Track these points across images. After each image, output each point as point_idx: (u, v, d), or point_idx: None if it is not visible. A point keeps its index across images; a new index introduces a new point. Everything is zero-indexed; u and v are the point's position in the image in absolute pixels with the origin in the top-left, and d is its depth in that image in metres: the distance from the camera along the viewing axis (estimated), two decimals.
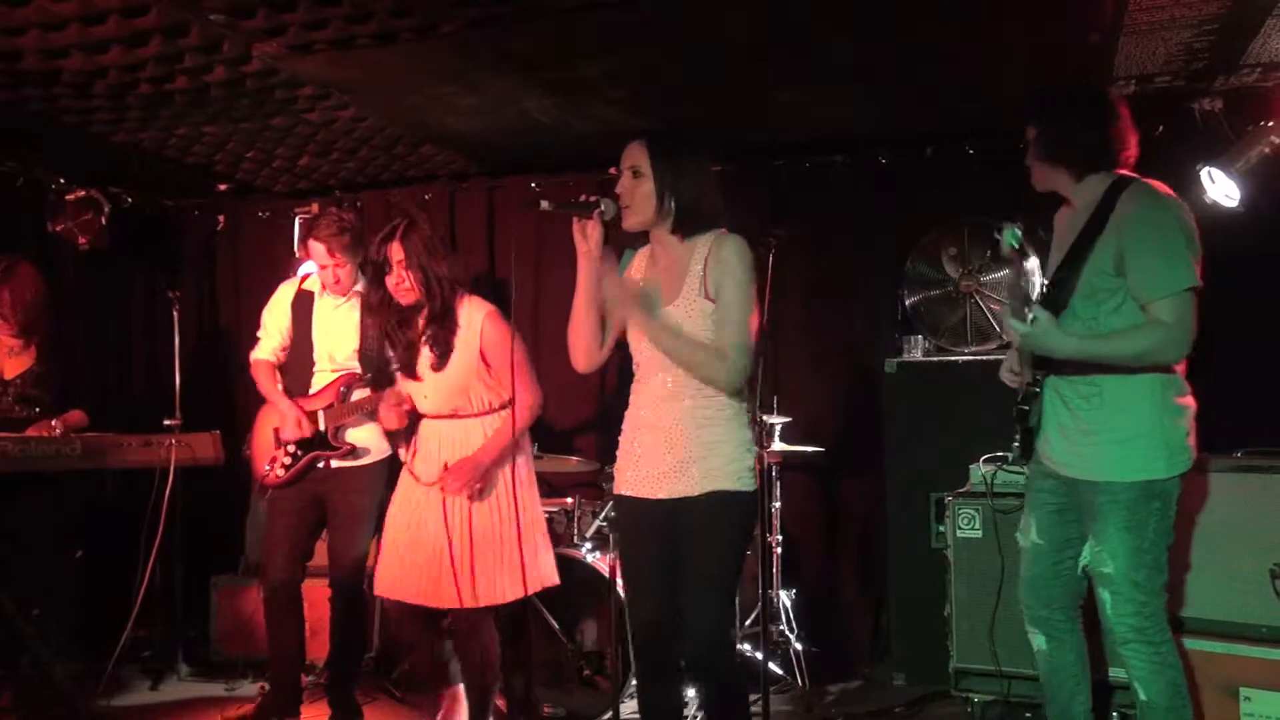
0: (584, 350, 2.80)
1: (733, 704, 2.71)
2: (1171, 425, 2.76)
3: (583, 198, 2.71)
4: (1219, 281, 4.18)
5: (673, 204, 2.67)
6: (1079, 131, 2.81)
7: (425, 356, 3.52)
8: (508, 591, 3.50)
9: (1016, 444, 3.05)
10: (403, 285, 3.47)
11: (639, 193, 2.69)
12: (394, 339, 3.56)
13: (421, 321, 3.52)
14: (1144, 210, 2.70)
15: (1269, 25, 3.48)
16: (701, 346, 2.62)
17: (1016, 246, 2.77)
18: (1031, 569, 3.02)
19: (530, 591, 3.56)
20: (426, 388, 3.54)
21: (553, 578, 3.64)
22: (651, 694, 2.81)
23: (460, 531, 3.46)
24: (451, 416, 3.55)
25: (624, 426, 2.81)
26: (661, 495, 2.68)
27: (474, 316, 3.53)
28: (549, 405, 5.11)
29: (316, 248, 3.89)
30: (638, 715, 3.93)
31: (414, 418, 3.63)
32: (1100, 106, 2.84)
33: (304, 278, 4.14)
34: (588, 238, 2.71)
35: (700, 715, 3.83)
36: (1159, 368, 2.74)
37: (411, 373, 3.54)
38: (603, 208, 2.69)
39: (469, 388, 3.54)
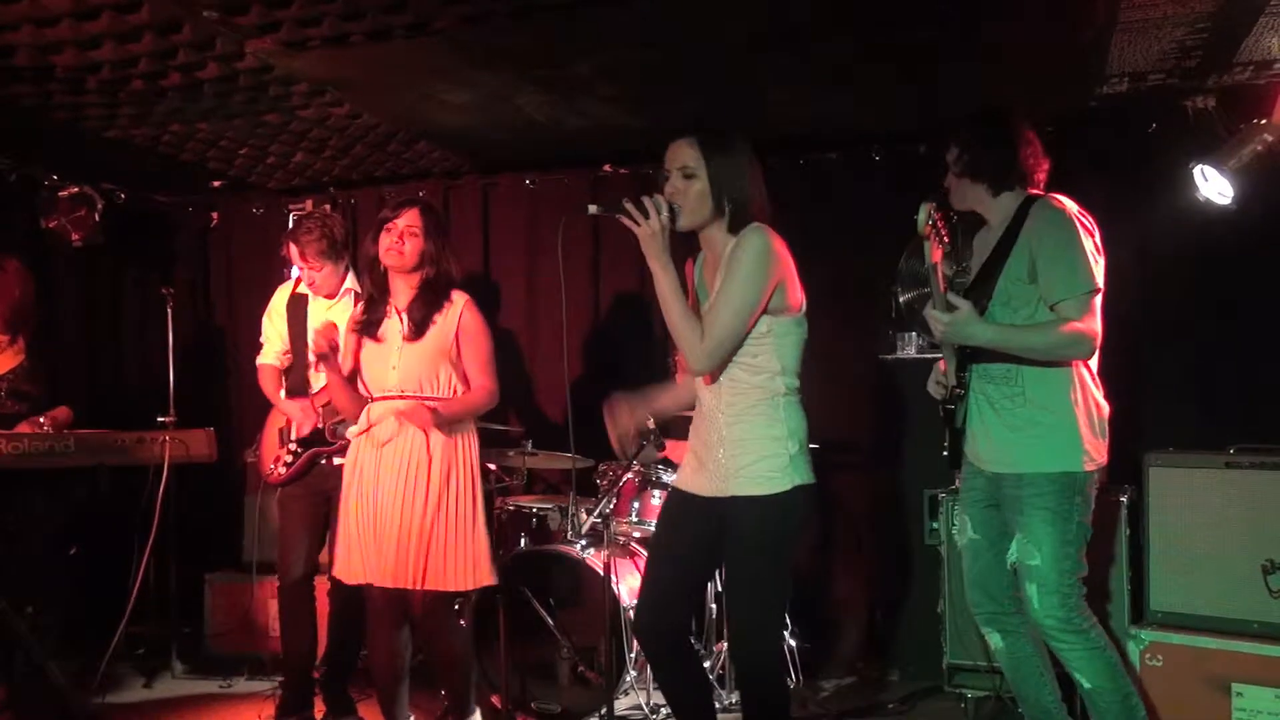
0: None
1: (767, 709, 2.71)
2: (1087, 421, 2.92)
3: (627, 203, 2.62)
4: (1211, 279, 4.22)
5: (728, 204, 2.66)
6: (996, 150, 3.02)
7: (400, 325, 3.52)
8: (468, 579, 3.51)
9: (945, 451, 3.17)
10: (398, 248, 3.47)
11: (692, 193, 2.66)
12: (371, 301, 3.56)
13: (408, 298, 3.53)
14: (1051, 223, 2.91)
15: (1261, 24, 3.49)
16: (688, 317, 2.63)
17: (930, 223, 2.83)
18: (973, 567, 3.14)
19: (479, 585, 3.55)
20: (394, 358, 3.52)
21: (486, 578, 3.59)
22: (660, 673, 2.91)
23: (418, 514, 3.45)
24: (416, 397, 3.52)
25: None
26: (700, 492, 2.75)
27: (455, 301, 3.59)
28: (544, 402, 5.16)
29: (292, 250, 4.00)
30: (632, 711, 3.98)
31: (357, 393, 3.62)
32: (1012, 129, 3.05)
33: (298, 280, 4.19)
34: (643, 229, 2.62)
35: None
36: (1071, 364, 2.91)
37: (374, 334, 3.53)
38: (663, 210, 2.62)
39: (438, 367, 3.54)
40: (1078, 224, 2.91)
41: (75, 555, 4.53)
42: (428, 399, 3.52)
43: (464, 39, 3.59)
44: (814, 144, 4.84)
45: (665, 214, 2.60)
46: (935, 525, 4.03)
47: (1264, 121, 3.84)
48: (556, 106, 4.33)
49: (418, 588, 3.44)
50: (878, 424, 4.62)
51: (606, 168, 5.12)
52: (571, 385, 5.13)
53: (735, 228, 2.67)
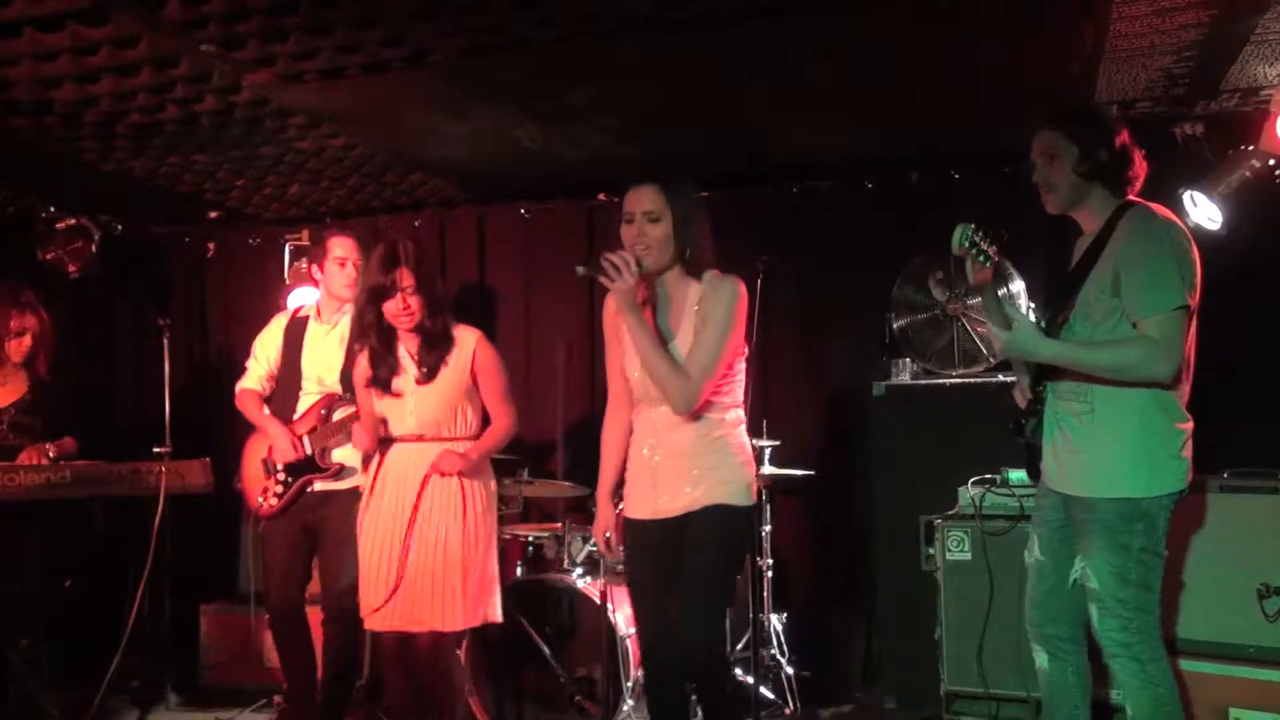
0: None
1: (724, 697, 2.91)
2: (1156, 445, 2.78)
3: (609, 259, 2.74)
4: (1201, 304, 4.23)
5: (688, 247, 2.79)
6: (1109, 148, 2.84)
7: (410, 371, 3.52)
8: (477, 616, 3.51)
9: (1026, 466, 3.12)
10: (407, 311, 3.46)
11: (656, 236, 2.77)
12: (378, 359, 3.53)
13: (415, 344, 3.53)
14: (1138, 232, 2.77)
15: (1246, 52, 3.53)
16: (670, 363, 2.76)
17: (968, 244, 2.82)
18: (1037, 587, 3.03)
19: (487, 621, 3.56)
20: (410, 404, 3.52)
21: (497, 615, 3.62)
22: (657, 688, 2.96)
23: (436, 553, 3.44)
24: (435, 439, 3.53)
25: (630, 454, 2.97)
26: (662, 516, 2.86)
27: (466, 338, 3.59)
28: (540, 430, 5.16)
29: (343, 242, 4.00)
30: None
31: (383, 444, 3.60)
32: (1115, 127, 2.89)
33: (298, 309, 4.21)
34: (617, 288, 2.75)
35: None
36: (1149, 386, 2.77)
37: (388, 389, 3.52)
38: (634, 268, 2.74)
39: (457, 407, 3.56)
40: (1169, 234, 2.74)
41: (70, 587, 4.52)
42: (446, 440, 3.53)
43: (460, 72, 3.62)
44: (807, 173, 4.88)
45: (634, 268, 2.71)
46: (931, 551, 4.03)
47: (1251, 147, 3.88)
48: (552, 137, 4.37)
49: (435, 629, 3.42)
50: (872, 450, 4.62)
51: (601, 197, 5.16)
52: (568, 414, 5.21)
53: (692, 270, 2.82)
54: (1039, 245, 4.18)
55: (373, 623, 3.51)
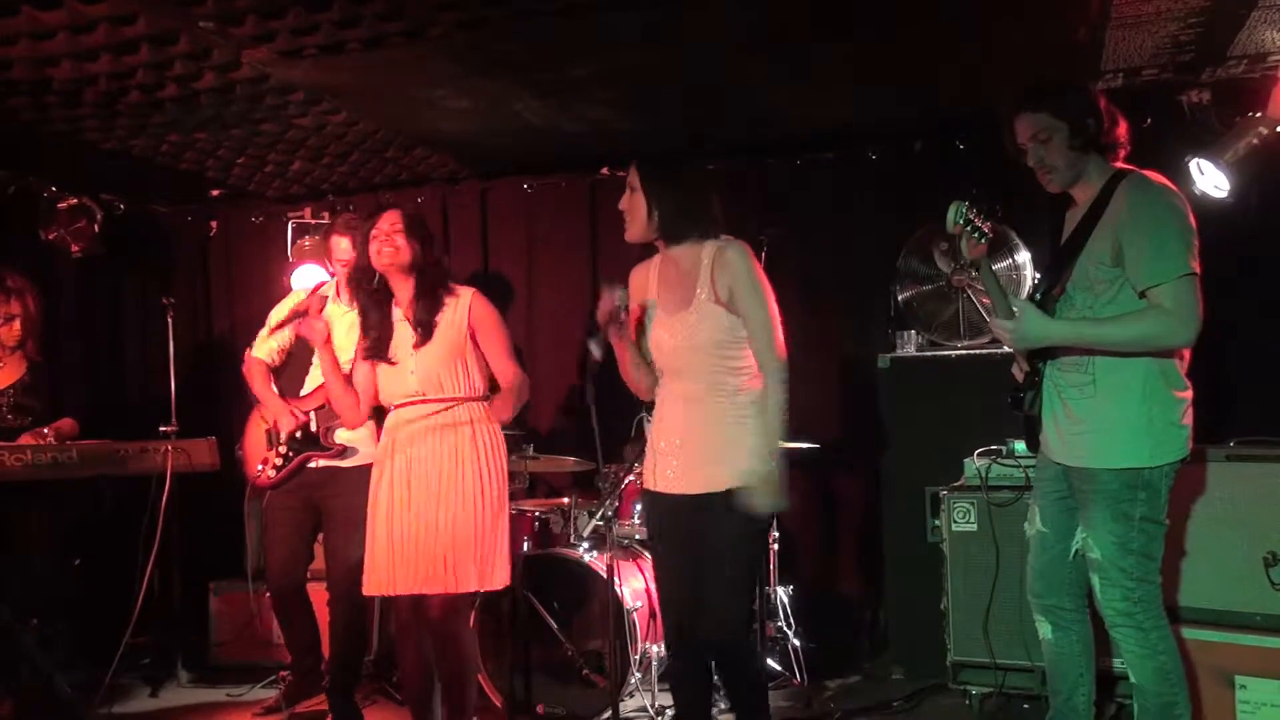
0: (645, 389, 3.11)
1: (746, 688, 2.94)
2: (1158, 414, 2.78)
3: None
4: (1208, 273, 4.21)
5: (657, 215, 2.93)
6: (1096, 118, 2.83)
7: (407, 336, 3.49)
8: (487, 580, 3.49)
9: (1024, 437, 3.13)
10: (386, 248, 3.42)
11: (629, 206, 2.98)
12: (368, 319, 3.51)
13: (409, 298, 3.50)
14: (1138, 201, 2.75)
15: (1254, 17, 3.50)
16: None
17: (962, 221, 2.82)
18: (1039, 558, 3.04)
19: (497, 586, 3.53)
20: (410, 365, 3.49)
21: (506, 579, 3.57)
22: (678, 662, 3.04)
23: (447, 518, 3.42)
24: (438, 399, 3.47)
25: (651, 427, 3.06)
26: (679, 491, 2.90)
27: (462, 294, 3.55)
28: (544, 406, 5.17)
29: (341, 242, 3.97)
30: (637, 714, 3.98)
31: (378, 413, 3.60)
32: (1095, 95, 2.90)
33: (320, 284, 4.20)
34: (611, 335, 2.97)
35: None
36: (1157, 355, 2.76)
37: (383, 355, 3.49)
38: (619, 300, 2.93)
39: (455, 364, 3.50)
40: (1169, 201, 2.73)
41: (79, 566, 4.54)
42: (448, 399, 3.48)
43: (460, 45, 3.60)
44: (811, 144, 4.85)
45: (616, 295, 2.89)
46: (937, 522, 4.03)
47: (1259, 114, 3.85)
48: (554, 111, 4.34)
49: (449, 591, 3.40)
50: (878, 422, 4.62)
51: (604, 171, 5.14)
52: (570, 390, 5.21)
53: (667, 238, 2.95)
54: (1044, 214, 4.16)
55: (382, 587, 3.48)
